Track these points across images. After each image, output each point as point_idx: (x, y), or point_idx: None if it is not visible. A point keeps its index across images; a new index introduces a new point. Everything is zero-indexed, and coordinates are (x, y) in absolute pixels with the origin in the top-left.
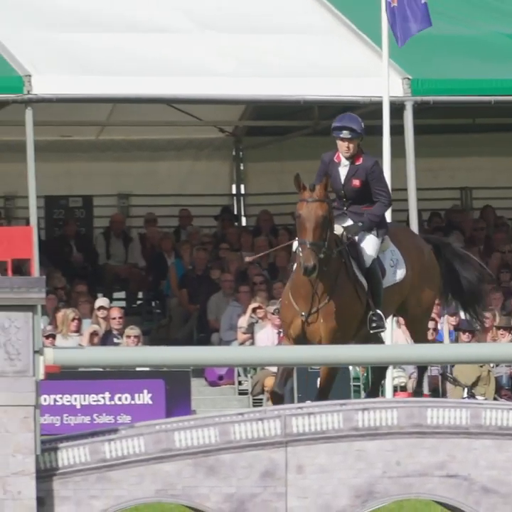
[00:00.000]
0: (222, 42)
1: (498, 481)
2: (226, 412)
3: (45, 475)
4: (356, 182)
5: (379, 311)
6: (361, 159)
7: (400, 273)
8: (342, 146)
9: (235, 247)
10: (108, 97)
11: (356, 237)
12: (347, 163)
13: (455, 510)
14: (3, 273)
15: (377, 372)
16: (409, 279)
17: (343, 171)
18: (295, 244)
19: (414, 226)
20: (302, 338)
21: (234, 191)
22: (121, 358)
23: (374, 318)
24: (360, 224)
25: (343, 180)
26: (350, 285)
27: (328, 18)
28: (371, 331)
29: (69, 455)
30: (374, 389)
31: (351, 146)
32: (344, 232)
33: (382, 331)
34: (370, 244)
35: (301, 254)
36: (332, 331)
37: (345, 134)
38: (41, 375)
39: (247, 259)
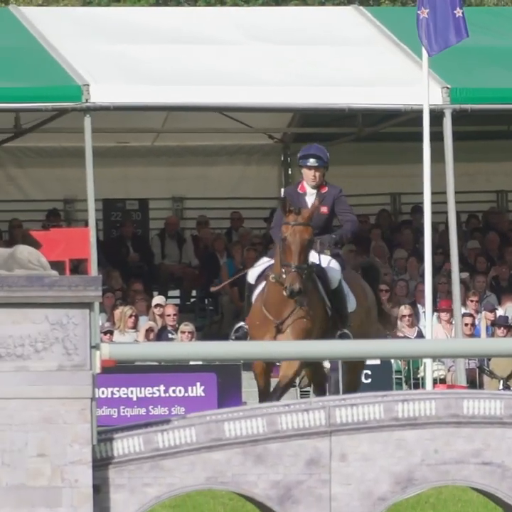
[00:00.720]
0: (271, 53)
1: None
2: (274, 404)
3: (101, 464)
4: (324, 209)
5: (347, 331)
6: (326, 188)
7: (352, 304)
8: (308, 174)
9: None
10: (163, 105)
11: (321, 261)
12: (313, 192)
13: (490, 497)
14: (62, 272)
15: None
16: (358, 313)
17: (310, 200)
18: (263, 263)
19: (452, 227)
20: None
21: (282, 195)
22: (174, 352)
23: (343, 337)
24: (333, 236)
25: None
26: (319, 300)
27: (371, 31)
28: None
29: (124, 445)
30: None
31: (317, 174)
32: (317, 243)
33: None
34: (335, 267)
35: (284, 276)
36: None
37: (312, 162)
38: (98, 369)
39: (212, 289)
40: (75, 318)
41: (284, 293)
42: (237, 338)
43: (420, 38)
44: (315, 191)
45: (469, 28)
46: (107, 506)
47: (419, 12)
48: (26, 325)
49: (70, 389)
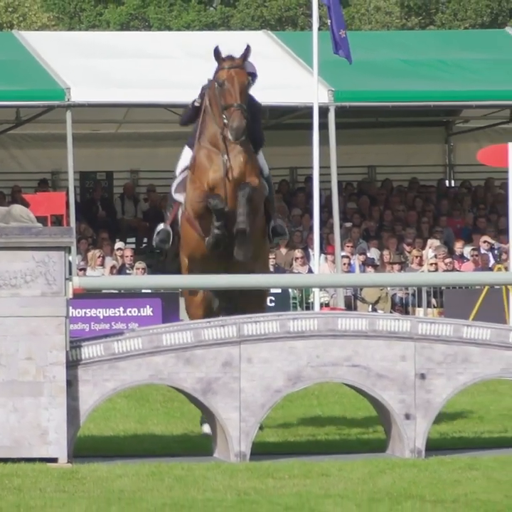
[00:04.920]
0: (201, 65)
1: (388, 369)
2: (199, 321)
3: (73, 365)
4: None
5: (280, 221)
6: None
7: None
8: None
9: None
10: (124, 103)
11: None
12: None
13: (358, 390)
14: (45, 224)
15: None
16: None
17: None
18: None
19: (334, 192)
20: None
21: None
22: (128, 283)
23: (278, 228)
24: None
25: None
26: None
27: (276, 49)
28: (275, 241)
29: (89, 351)
30: None
31: None
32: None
33: (286, 239)
34: (262, 156)
35: (228, 118)
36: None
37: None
38: (70, 295)
39: None
40: (54, 258)
41: (229, 136)
42: (161, 241)
43: (338, 51)
44: None
45: (351, 46)
46: (76, 396)
47: (340, 33)
48: (18, 263)
49: (50, 310)
